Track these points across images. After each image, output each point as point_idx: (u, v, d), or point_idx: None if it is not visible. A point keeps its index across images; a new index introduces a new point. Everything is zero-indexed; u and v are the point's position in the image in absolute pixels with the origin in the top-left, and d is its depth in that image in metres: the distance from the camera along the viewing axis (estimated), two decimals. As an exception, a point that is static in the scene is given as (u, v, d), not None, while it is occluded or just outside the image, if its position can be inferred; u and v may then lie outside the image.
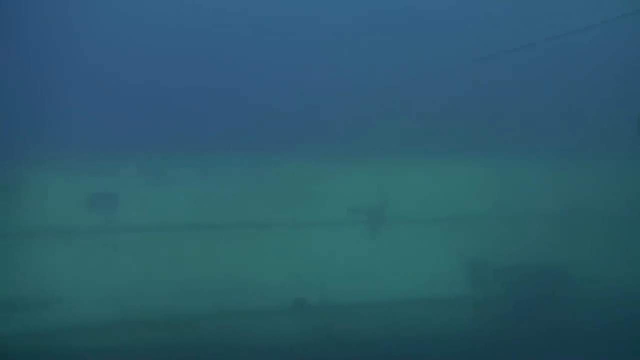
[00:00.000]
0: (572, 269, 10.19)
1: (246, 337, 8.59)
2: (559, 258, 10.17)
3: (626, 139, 9.02)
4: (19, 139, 8.08)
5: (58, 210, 8.34)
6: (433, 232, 10.21)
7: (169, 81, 9.16)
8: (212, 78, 9.48)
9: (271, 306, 9.14)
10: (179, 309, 8.78)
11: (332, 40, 9.39)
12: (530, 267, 10.12)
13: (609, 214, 10.45)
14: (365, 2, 10.13)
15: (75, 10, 8.47)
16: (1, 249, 7.93)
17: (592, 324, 8.97)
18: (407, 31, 9.69)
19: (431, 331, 8.97)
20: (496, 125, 10.41)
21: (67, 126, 8.34)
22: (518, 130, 10.45)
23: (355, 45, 9.58)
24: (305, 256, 9.52)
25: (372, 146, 10.25)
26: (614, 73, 10.26)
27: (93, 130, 8.56)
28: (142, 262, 8.66)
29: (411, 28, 9.73)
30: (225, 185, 9.32)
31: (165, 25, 8.99)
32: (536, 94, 10.57)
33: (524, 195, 10.49)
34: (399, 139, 10.23)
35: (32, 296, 8.01)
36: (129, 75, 9.00)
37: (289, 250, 9.47)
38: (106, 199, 8.61)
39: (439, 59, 9.39)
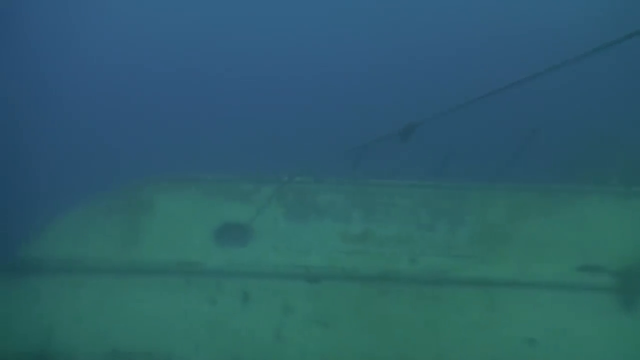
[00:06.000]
0: None
1: None
2: None
3: None
4: (143, 158, 6.83)
5: (180, 243, 6.69)
6: None
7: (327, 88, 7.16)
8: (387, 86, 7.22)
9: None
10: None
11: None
12: None
13: None
14: None
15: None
16: (112, 285, 6.50)
17: None
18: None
19: None
20: None
21: (197, 143, 6.87)
22: None
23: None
24: (504, 329, 6.30)
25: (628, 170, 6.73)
26: None
27: (227, 149, 6.91)
28: (272, 318, 6.47)
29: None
30: (391, 225, 6.71)
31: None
32: None
33: None
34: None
35: (131, 344, 6.38)
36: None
37: (478, 319, 6.35)
38: (236, 233, 6.72)
39: None
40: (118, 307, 6.42)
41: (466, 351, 6.24)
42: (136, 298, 6.46)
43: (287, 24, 7.87)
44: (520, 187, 6.69)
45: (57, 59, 7.68)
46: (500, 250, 6.55)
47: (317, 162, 6.59)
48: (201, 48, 7.66)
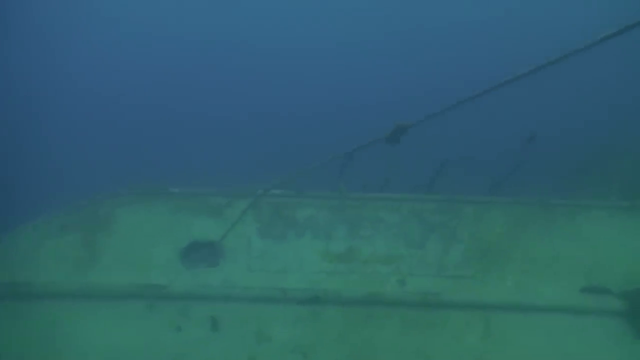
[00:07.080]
0: None
1: None
2: None
3: None
4: (103, 168, 6.14)
5: (142, 264, 5.98)
6: None
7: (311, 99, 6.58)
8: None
9: None
10: None
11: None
12: None
13: None
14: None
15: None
16: (63, 313, 5.75)
17: None
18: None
19: None
20: None
21: (164, 153, 6.20)
22: None
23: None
24: (502, 358, 5.70)
25: None
26: None
27: (197, 158, 6.25)
28: (245, 347, 5.78)
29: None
30: (378, 242, 6.10)
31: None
32: None
33: None
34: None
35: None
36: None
37: (473, 346, 5.74)
38: (205, 252, 6.05)
39: None
40: (70, 337, 5.67)
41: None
42: (91, 327, 5.73)
43: (266, 31, 7.33)
44: (519, 201, 6.15)
45: (23, 68, 7.03)
46: (497, 270, 5.97)
47: (295, 172, 5.97)
48: (172, 59, 7.09)
